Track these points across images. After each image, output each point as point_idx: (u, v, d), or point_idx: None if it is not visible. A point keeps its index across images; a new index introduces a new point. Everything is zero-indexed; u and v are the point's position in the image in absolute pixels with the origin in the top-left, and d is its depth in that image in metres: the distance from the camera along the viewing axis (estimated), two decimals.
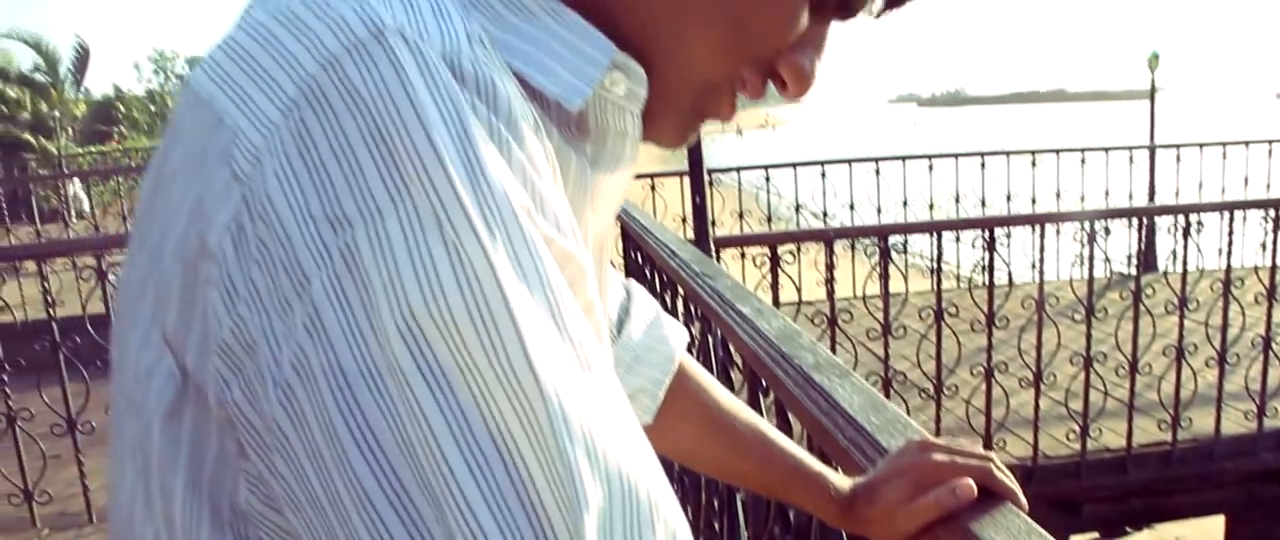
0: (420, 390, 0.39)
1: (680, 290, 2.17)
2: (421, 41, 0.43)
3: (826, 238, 4.01)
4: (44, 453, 4.03)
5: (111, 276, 4.09)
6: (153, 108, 27.28)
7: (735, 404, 1.05)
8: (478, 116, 0.43)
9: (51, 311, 3.98)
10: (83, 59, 23.91)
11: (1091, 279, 4.61)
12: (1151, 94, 11.74)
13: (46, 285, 4.05)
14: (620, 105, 0.55)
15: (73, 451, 4.04)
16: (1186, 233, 4.99)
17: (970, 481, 0.82)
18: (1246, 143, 9.18)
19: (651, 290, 2.54)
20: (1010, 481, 0.85)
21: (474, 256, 0.40)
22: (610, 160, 0.58)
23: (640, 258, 2.59)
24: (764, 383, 1.50)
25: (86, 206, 15.15)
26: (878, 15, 0.60)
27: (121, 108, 26.72)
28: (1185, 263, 5.02)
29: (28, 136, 21.45)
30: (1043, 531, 0.77)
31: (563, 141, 0.54)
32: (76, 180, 15.22)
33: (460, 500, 0.38)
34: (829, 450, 1.08)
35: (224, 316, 0.43)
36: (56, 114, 21.60)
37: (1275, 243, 4.64)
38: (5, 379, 3.97)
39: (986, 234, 4.26)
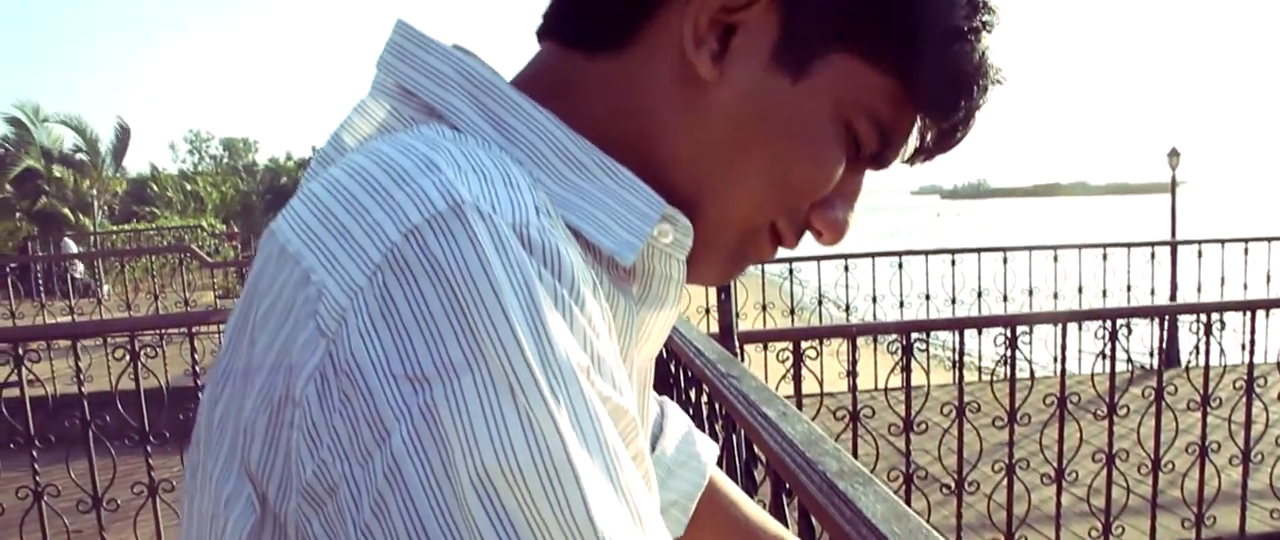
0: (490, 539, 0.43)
1: (705, 388, 2.23)
2: (494, 214, 0.48)
3: (850, 333, 4.07)
4: (67, 528, 4.09)
5: (143, 356, 4.20)
6: (187, 187, 27.82)
7: (763, 517, 1.10)
8: (544, 285, 0.47)
9: (82, 388, 4.07)
10: (123, 140, 24.60)
11: (1113, 376, 4.63)
12: (1172, 190, 11.81)
13: (77, 362, 4.15)
14: (667, 253, 0.63)
15: (97, 529, 4.10)
16: (1208, 331, 5.01)
17: None
18: (1269, 239, 9.22)
19: (676, 386, 2.60)
20: None
21: (541, 419, 0.44)
22: (656, 301, 0.65)
23: (666, 352, 2.65)
24: (788, 486, 1.56)
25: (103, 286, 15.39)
26: (910, 162, 0.68)
27: (155, 187, 27.28)
28: (1207, 360, 5.03)
29: (67, 212, 21.95)
30: None
31: (613, 286, 0.61)
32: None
33: None
34: None
35: (308, 459, 0.46)
36: (95, 192, 22.07)
37: None
38: (34, 454, 4.05)
39: (1009, 332, 4.31)
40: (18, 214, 22.75)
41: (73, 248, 17.48)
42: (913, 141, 0.66)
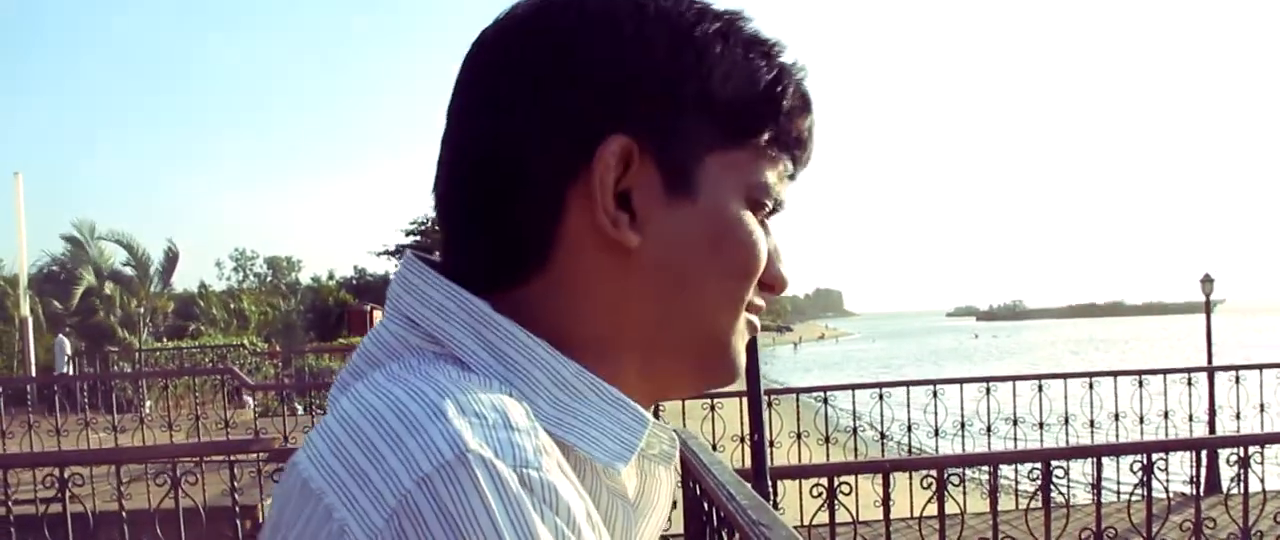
0: None
1: (737, 534, 2.29)
2: (496, 461, 0.53)
3: (884, 469, 4.12)
4: None
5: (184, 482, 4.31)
6: (231, 305, 28.32)
7: None
8: (544, 522, 0.52)
9: (123, 510, 4.18)
10: (171, 260, 25.26)
11: (1150, 508, 4.62)
12: (1207, 316, 11.78)
13: (119, 486, 4.26)
14: (654, 461, 0.72)
15: None
16: (1245, 463, 4.99)
17: None
18: None
19: (709, 525, 2.66)
20: None
21: None
22: (647, 505, 0.73)
23: (698, 490, 2.71)
24: None
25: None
26: (793, 178, 0.76)
27: (201, 304, 27.80)
28: (1246, 491, 5.00)
29: (115, 327, 22.45)
30: None
31: (610, 497, 0.67)
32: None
33: None
34: None
35: None
36: (142, 310, 22.54)
37: None
38: None
39: (1044, 466, 4.33)
40: (67, 328, 23.26)
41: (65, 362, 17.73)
42: (789, 174, 0.74)
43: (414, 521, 0.51)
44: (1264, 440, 5.34)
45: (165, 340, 23.33)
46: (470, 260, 0.69)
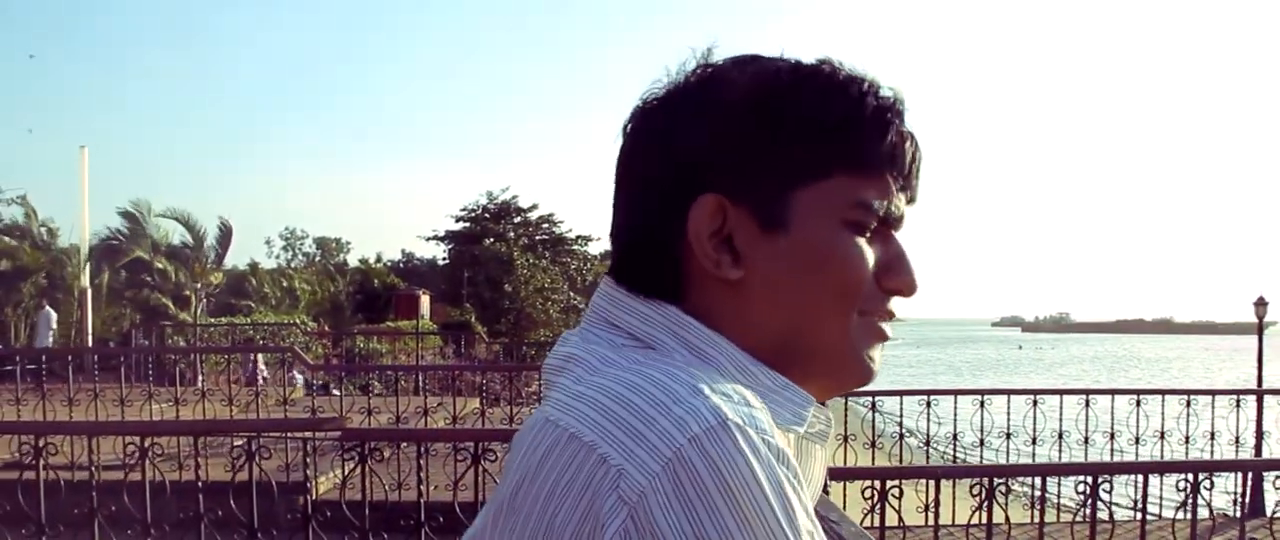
0: None
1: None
2: (746, 426, 0.68)
3: (934, 475, 4.24)
4: None
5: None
6: (284, 283, 28.76)
7: None
8: (783, 475, 0.68)
9: (199, 479, 4.41)
10: (226, 237, 25.74)
11: (1194, 527, 4.69)
12: (1259, 337, 11.70)
13: (197, 456, 4.43)
14: (812, 437, 0.86)
15: None
16: None
17: None
18: None
19: None
20: None
21: None
22: (807, 479, 0.86)
23: None
24: None
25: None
26: (912, 200, 0.87)
27: (253, 281, 28.25)
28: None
29: (169, 302, 22.94)
30: None
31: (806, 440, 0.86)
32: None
33: None
34: None
35: None
36: (197, 285, 22.98)
37: None
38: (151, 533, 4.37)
39: (1090, 480, 4.42)
40: (125, 300, 23.81)
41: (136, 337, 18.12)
42: (897, 186, 0.84)
43: (688, 470, 0.65)
44: None
45: (218, 317, 23.74)
46: (641, 285, 0.85)
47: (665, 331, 0.81)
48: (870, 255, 0.82)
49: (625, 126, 0.87)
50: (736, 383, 0.76)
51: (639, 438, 0.68)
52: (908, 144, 0.84)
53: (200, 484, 4.53)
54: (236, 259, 29.27)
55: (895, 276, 0.84)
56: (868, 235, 0.83)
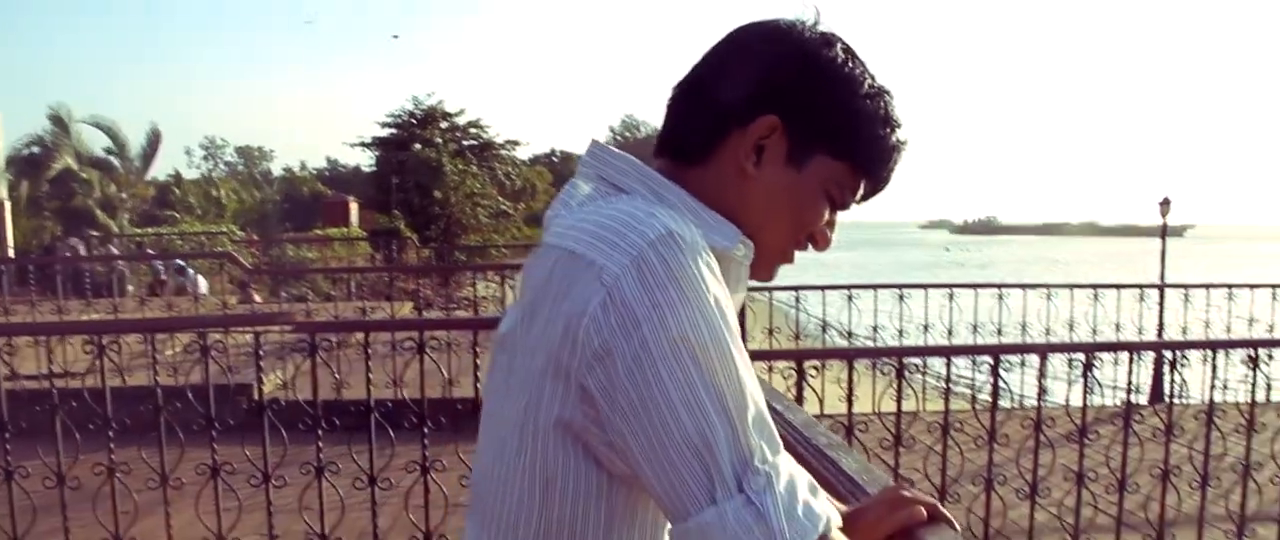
0: (694, 374, 0.93)
1: None
2: (685, 236, 0.97)
3: (848, 356, 4.56)
4: (137, 504, 4.60)
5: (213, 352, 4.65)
6: (211, 192, 28.33)
7: None
8: (712, 272, 0.98)
9: (157, 380, 4.58)
10: (153, 145, 25.18)
11: (1085, 403, 5.09)
12: (1163, 237, 12.28)
13: (154, 355, 4.57)
14: (740, 261, 1.16)
15: (163, 503, 4.62)
16: (1173, 367, 5.50)
17: (923, 509, 1.31)
18: (1252, 286, 9.69)
19: None
20: (949, 514, 1.33)
21: (717, 325, 0.96)
22: (736, 284, 1.18)
23: None
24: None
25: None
26: (859, 203, 1.22)
27: (178, 191, 27.81)
28: (1171, 394, 5.53)
29: (94, 210, 22.49)
30: None
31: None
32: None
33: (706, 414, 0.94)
34: (835, 495, 1.64)
35: (594, 339, 0.95)
36: (123, 196, 22.55)
37: (1254, 379, 5.13)
38: (110, 435, 4.52)
39: (993, 360, 4.78)
40: (46, 212, 23.31)
41: (80, 248, 17.74)
42: (861, 191, 1.19)
43: (647, 262, 0.95)
44: (1183, 346, 5.74)
45: (144, 228, 23.37)
46: (672, 137, 1.17)
47: (637, 181, 1.12)
48: (824, 217, 1.17)
49: (736, 33, 1.16)
50: (682, 214, 1.06)
51: (614, 245, 0.97)
52: (894, 172, 1.19)
53: (156, 381, 4.64)
54: (157, 170, 28.66)
55: (821, 237, 1.20)
56: (829, 205, 1.17)
